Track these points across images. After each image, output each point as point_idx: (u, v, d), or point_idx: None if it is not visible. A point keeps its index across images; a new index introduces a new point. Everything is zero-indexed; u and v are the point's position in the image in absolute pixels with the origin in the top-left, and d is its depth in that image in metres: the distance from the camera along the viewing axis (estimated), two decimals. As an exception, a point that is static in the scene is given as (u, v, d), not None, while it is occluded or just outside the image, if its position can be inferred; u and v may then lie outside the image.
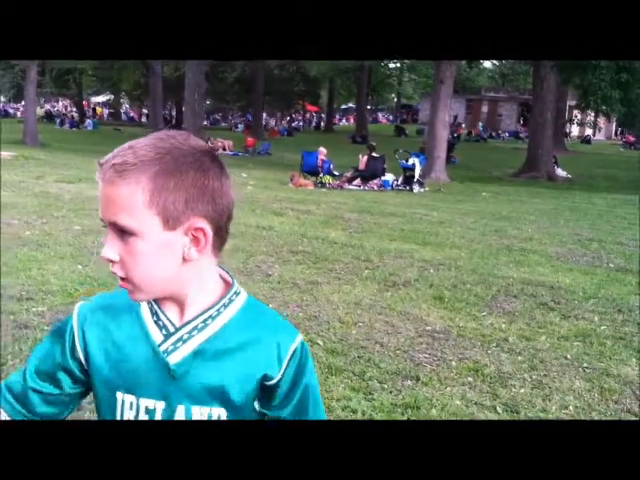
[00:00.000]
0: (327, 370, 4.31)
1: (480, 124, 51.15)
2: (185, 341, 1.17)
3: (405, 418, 3.72)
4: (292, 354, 1.20)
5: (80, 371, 1.22)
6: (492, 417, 3.81)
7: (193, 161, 1.08)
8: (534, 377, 4.43)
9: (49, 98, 65.96)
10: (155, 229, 1.07)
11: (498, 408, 3.93)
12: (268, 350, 1.19)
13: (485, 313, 5.84)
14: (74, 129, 42.38)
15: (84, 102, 58.57)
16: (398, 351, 4.80)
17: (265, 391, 1.20)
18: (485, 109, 56.06)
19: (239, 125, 49.70)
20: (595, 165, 29.55)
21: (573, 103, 37.29)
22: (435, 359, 4.70)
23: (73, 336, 1.22)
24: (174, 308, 1.19)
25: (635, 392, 4.24)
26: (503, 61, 58.21)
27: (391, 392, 4.08)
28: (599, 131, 42.29)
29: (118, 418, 1.20)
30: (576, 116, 39.41)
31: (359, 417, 3.68)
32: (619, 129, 58.43)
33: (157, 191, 1.06)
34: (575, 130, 47.51)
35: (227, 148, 27.06)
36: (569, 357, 4.83)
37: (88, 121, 46.95)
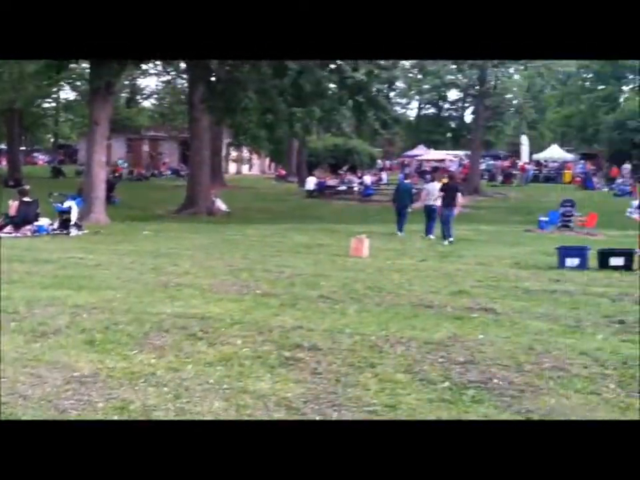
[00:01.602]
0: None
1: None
2: None
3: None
4: None
5: None
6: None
7: None
8: (177, 404, 4.69)
9: None
10: None
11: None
12: None
13: (135, 351, 5.98)
14: None
15: None
16: (42, 402, 4.70)
17: None
18: (146, 147, 56.50)
19: None
20: (251, 198, 31.75)
21: (229, 141, 39.65)
22: (81, 403, 4.70)
23: None
24: None
25: (266, 404, 4.74)
26: (163, 101, 59.15)
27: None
28: (252, 166, 45.48)
29: None
30: (230, 153, 41.96)
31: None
32: (272, 164, 63.32)
33: None
34: (232, 167, 50.34)
35: None
36: (211, 381, 5.20)
37: None
